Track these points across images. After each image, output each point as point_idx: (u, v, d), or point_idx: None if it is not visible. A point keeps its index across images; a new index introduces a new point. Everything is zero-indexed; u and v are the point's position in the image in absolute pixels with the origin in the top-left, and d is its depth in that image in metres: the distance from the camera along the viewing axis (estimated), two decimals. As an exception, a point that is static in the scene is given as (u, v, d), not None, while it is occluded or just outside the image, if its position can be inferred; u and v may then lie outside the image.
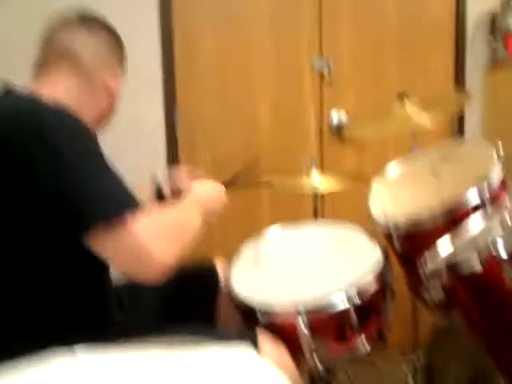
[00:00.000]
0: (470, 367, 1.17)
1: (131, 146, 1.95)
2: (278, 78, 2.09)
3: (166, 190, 1.37)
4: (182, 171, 1.39)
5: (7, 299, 0.95)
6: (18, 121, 0.91)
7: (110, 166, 0.94)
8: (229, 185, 1.35)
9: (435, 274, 0.86)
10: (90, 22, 1.11)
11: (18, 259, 0.93)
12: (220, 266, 1.35)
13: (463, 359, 1.21)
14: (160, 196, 1.36)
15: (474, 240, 0.79)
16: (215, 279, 1.33)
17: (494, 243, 0.75)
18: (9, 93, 1.03)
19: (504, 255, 0.72)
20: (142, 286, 1.29)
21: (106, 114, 1.14)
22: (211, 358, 0.82)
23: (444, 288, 0.87)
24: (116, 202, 0.88)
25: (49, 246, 0.93)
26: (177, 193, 1.39)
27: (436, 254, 0.91)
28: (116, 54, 1.13)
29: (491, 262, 0.74)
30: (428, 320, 1.47)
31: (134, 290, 1.28)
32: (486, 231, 0.80)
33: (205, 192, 1.15)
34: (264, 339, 1.02)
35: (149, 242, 0.88)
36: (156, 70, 2.00)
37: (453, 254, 0.82)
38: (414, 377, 1.77)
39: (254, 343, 0.99)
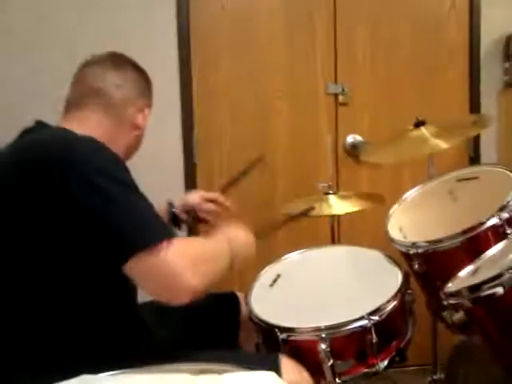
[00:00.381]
0: (488, 381, 1.17)
1: (150, 172, 1.99)
2: (293, 102, 2.14)
3: (182, 216, 1.41)
4: (199, 194, 1.43)
5: (38, 321, 0.98)
6: (55, 149, 0.95)
7: (143, 195, 0.98)
8: (234, 182, 1.38)
9: (456, 296, 0.87)
10: (120, 61, 1.17)
11: (52, 281, 0.96)
12: (241, 297, 1.37)
13: (483, 376, 1.20)
14: (175, 223, 1.40)
15: (495, 262, 0.80)
16: (237, 306, 1.36)
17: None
18: (43, 126, 1.08)
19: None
20: (166, 307, 1.33)
21: (133, 147, 1.19)
22: (234, 379, 0.83)
23: (465, 310, 0.88)
24: (153, 231, 0.92)
25: (83, 271, 0.96)
26: (196, 217, 1.42)
27: (457, 276, 0.92)
28: (144, 92, 1.19)
29: (512, 284, 0.75)
30: (447, 339, 1.47)
31: (157, 310, 1.30)
32: (506, 253, 0.81)
33: (236, 234, 1.15)
34: (286, 363, 1.03)
35: (182, 269, 0.92)
36: (174, 96, 2.06)
37: (474, 274, 0.83)
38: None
39: (277, 367, 1.00)
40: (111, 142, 1.06)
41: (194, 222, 1.44)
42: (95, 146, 0.98)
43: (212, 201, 1.44)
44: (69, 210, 0.91)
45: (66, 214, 0.92)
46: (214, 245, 1.06)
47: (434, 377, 1.75)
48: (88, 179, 0.91)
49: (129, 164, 1.09)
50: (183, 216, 1.41)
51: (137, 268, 0.91)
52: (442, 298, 0.93)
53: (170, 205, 1.39)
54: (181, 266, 0.91)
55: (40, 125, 1.09)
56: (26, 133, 1.08)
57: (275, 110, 2.13)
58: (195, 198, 1.44)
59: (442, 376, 1.46)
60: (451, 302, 0.88)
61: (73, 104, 1.13)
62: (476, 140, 2.19)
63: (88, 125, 1.08)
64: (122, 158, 1.06)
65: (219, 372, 0.87)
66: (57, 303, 0.98)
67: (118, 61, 1.16)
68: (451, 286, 0.89)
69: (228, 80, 2.11)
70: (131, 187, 0.96)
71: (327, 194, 1.58)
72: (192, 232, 1.63)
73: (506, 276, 0.75)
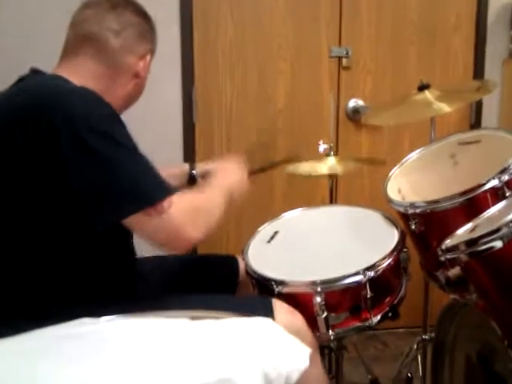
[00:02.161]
0: (478, 341, 1.19)
1: (148, 130, 1.98)
2: (296, 64, 2.11)
3: (199, 180, 1.40)
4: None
5: (35, 268, 0.98)
6: (46, 101, 0.92)
7: (141, 153, 0.96)
8: (263, 170, 1.39)
9: (454, 250, 0.87)
10: (120, 4, 1.09)
11: (50, 227, 0.96)
12: (241, 261, 1.37)
13: (472, 334, 1.23)
14: (191, 184, 1.40)
15: (494, 218, 0.81)
16: (236, 269, 1.37)
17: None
18: (37, 73, 1.05)
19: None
20: (166, 263, 1.35)
21: (133, 97, 1.14)
22: (230, 324, 0.85)
23: (461, 265, 0.89)
24: (154, 188, 0.93)
25: (80, 221, 0.95)
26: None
27: (455, 234, 0.92)
28: (145, 36, 1.11)
29: (512, 238, 0.76)
30: (439, 302, 1.50)
31: (157, 265, 1.32)
32: (506, 210, 0.82)
33: (228, 175, 1.19)
34: (278, 305, 1.05)
35: (184, 223, 0.95)
36: (175, 54, 2.02)
37: (473, 231, 0.84)
38: (423, 353, 1.80)
39: (270, 309, 1.02)
40: (107, 91, 1.02)
41: None
42: (89, 100, 0.94)
43: None
44: (58, 166, 0.90)
45: (56, 169, 0.90)
46: (209, 195, 1.08)
47: (424, 336, 1.80)
48: (82, 138, 0.88)
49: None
50: (199, 180, 1.41)
51: (140, 224, 0.93)
52: (438, 255, 0.94)
53: (191, 167, 1.38)
54: (181, 221, 0.94)
55: (34, 72, 1.05)
56: (21, 81, 1.05)
57: (277, 70, 2.10)
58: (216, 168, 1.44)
59: (432, 335, 1.48)
60: (448, 256, 0.89)
61: (68, 50, 1.08)
62: (478, 108, 2.18)
63: (82, 73, 1.04)
64: (118, 110, 1.03)
65: (216, 318, 0.89)
66: (54, 249, 0.98)
67: (119, 4, 1.08)
68: (449, 242, 0.89)
69: (230, 38, 2.06)
70: (129, 146, 0.94)
71: (328, 155, 1.57)
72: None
73: (506, 230, 0.75)
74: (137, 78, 1.11)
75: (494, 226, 0.77)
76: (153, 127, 2.01)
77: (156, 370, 0.67)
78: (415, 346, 1.84)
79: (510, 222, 0.74)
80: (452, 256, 0.88)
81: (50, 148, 0.89)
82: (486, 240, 0.79)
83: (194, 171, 1.36)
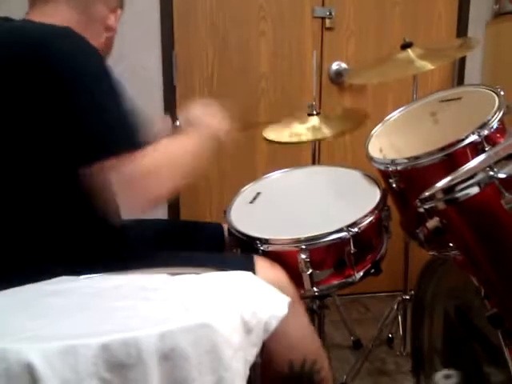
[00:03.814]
0: (457, 298, 1.22)
1: (128, 91, 1.94)
2: (278, 24, 2.07)
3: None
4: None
5: (14, 227, 0.97)
6: (24, 39, 0.90)
7: (122, 93, 0.94)
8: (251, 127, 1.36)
9: (431, 199, 0.88)
10: None
11: (28, 181, 0.94)
12: (226, 229, 1.36)
13: (451, 290, 1.26)
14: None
15: (471, 168, 0.81)
16: (222, 234, 1.35)
17: (491, 167, 0.77)
18: (8, 20, 1.02)
19: (502, 175, 0.74)
20: (150, 227, 1.33)
21: (104, 51, 1.11)
22: (209, 277, 0.85)
23: (440, 215, 0.89)
24: (126, 135, 0.90)
25: (59, 170, 0.94)
26: None
27: (434, 186, 0.92)
28: None
29: (489, 183, 0.76)
30: (420, 264, 1.53)
31: (141, 228, 1.31)
32: (484, 162, 0.82)
33: (210, 122, 1.14)
34: (260, 261, 1.05)
35: (148, 177, 0.91)
36: (154, 16, 1.98)
37: (450, 180, 0.84)
38: (403, 314, 1.85)
39: (251, 266, 1.02)
40: None
41: None
42: (74, 40, 0.92)
43: None
44: (49, 101, 0.88)
45: (45, 104, 0.88)
46: (183, 150, 1.03)
47: (404, 297, 1.84)
48: (62, 75, 0.87)
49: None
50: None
51: (105, 171, 0.89)
52: (417, 206, 0.94)
53: (173, 119, 1.34)
54: (147, 173, 0.90)
55: (5, 20, 1.02)
56: None
57: (259, 31, 2.06)
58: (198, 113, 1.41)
59: (412, 293, 1.51)
60: (426, 206, 0.90)
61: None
62: (461, 69, 2.17)
63: (55, 18, 1.00)
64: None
65: (196, 273, 0.89)
66: (33, 204, 0.96)
67: None
68: (427, 192, 0.90)
69: (210, 1, 2.01)
70: (111, 85, 0.92)
71: (310, 114, 1.56)
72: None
73: (482, 175, 0.76)
74: (108, 32, 1.10)
75: (470, 173, 0.77)
76: (133, 91, 1.96)
77: (135, 317, 0.67)
78: (396, 307, 1.88)
79: (487, 168, 0.75)
80: (430, 205, 0.88)
81: (42, 85, 0.88)
82: (462, 186, 0.79)
83: (177, 123, 1.33)
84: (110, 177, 0.89)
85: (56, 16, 1.01)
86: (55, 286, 0.87)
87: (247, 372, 0.67)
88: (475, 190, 0.78)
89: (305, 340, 1.01)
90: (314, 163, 1.74)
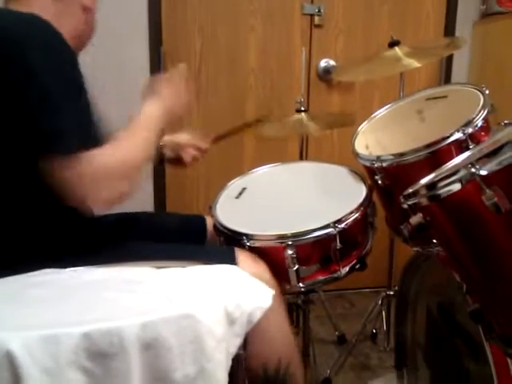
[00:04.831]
0: (440, 294, 1.24)
1: (115, 89, 1.93)
2: (267, 19, 2.07)
3: (165, 152, 1.36)
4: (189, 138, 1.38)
5: None
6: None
7: (80, 89, 0.92)
8: (229, 136, 1.37)
9: (414, 195, 0.89)
10: None
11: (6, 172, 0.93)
12: (208, 221, 1.36)
13: (434, 287, 1.27)
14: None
15: (454, 166, 0.82)
16: (203, 226, 1.35)
17: (473, 164, 0.77)
18: None
19: (483, 172, 0.75)
20: (133, 220, 1.33)
21: (84, 33, 1.10)
22: (194, 269, 0.85)
23: (423, 211, 0.90)
24: (72, 135, 0.87)
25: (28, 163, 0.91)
26: (177, 156, 1.37)
27: (418, 183, 0.93)
28: None
29: (470, 180, 0.77)
30: (404, 261, 1.55)
31: (124, 221, 1.30)
32: (466, 158, 0.83)
33: (164, 94, 1.09)
34: (242, 255, 1.05)
35: (100, 176, 0.89)
36: (142, 11, 1.96)
37: (433, 177, 0.85)
38: (387, 309, 1.87)
39: (233, 259, 1.02)
40: (58, 25, 0.95)
41: (174, 161, 1.40)
42: (38, 28, 0.90)
43: (198, 149, 1.39)
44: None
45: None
46: (128, 145, 0.98)
47: (388, 292, 1.85)
48: (22, 62, 0.85)
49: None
50: (167, 152, 1.38)
51: (49, 169, 0.87)
52: (401, 203, 0.95)
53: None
54: (92, 179, 0.88)
55: None
56: None
57: (248, 26, 2.06)
58: (185, 139, 1.39)
59: (396, 288, 1.53)
60: (409, 202, 0.90)
61: None
62: (448, 68, 2.19)
63: (30, 6, 0.98)
64: (73, 47, 0.98)
65: (181, 266, 0.89)
66: (13, 196, 0.95)
67: None
68: (410, 189, 0.91)
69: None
70: (70, 79, 0.90)
71: (299, 111, 1.56)
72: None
73: (464, 172, 0.76)
74: (86, 13, 1.07)
75: (453, 169, 0.78)
76: (120, 86, 1.95)
77: (118, 308, 0.67)
78: (380, 302, 1.90)
79: (469, 164, 0.76)
80: (413, 201, 0.89)
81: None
82: (444, 183, 0.80)
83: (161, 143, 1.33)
84: (64, 175, 0.87)
85: (32, 5, 0.99)
86: (38, 278, 0.87)
87: (229, 363, 0.68)
88: (457, 186, 0.78)
89: (282, 339, 1.01)
90: (301, 158, 1.75)
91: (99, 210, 0.96)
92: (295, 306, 1.61)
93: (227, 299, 0.71)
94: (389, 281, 1.88)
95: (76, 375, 0.58)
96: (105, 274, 0.89)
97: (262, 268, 1.04)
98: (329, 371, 1.70)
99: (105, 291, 0.78)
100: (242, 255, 1.04)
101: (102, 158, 0.90)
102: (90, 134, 0.91)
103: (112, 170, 0.91)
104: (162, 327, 0.62)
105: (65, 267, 0.93)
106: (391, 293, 1.85)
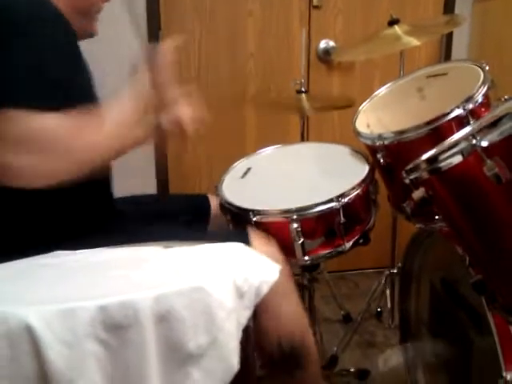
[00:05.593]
0: (443, 269, 1.26)
1: (113, 75, 1.91)
2: (267, 4, 2.07)
3: None
4: None
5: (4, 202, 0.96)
6: None
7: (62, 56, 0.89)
8: None
9: (415, 169, 0.90)
10: None
11: None
12: (212, 200, 1.37)
13: (437, 262, 1.29)
14: None
15: (455, 140, 0.83)
16: (207, 205, 1.36)
17: (474, 136, 0.79)
18: None
19: (484, 143, 0.76)
20: (139, 203, 1.34)
21: (80, 7, 1.04)
22: (203, 247, 0.86)
23: (425, 186, 0.92)
24: (30, 90, 0.83)
25: None
26: None
27: (419, 159, 0.94)
28: None
29: (471, 152, 0.79)
30: (406, 239, 1.57)
31: (130, 206, 1.32)
32: (467, 132, 0.84)
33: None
34: (255, 236, 1.06)
35: (75, 138, 0.84)
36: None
37: (434, 152, 0.86)
38: (391, 288, 1.89)
39: (246, 240, 1.03)
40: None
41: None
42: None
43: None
44: None
45: None
46: (118, 128, 0.93)
47: (392, 270, 1.88)
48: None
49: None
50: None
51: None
52: (403, 178, 0.96)
53: None
54: (75, 138, 0.83)
55: None
56: None
57: (246, 10, 2.06)
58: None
59: (400, 265, 1.55)
60: (411, 177, 0.92)
61: None
62: (448, 46, 2.19)
63: None
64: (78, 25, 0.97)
65: (188, 244, 0.91)
66: None
67: None
68: (412, 164, 0.92)
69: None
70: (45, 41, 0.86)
71: (299, 92, 1.57)
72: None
73: (465, 144, 0.78)
74: None
75: (454, 142, 0.80)
76: (119, 71, 1.95)
77: (130, 283, 0.69)
78: (383, 281, 1.92)
79: (470, 136, 0.77)
80: (415, 176, 0.91)
81: None
82: (445, 156, 0.81)
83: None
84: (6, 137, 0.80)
85: None
86: (48, 260, 0.89)
87: (240, 334, 0.70)
88: (458, 158, 0.80)
89: (294, 316, 1.03)
90: (302, 140, 1.76)
91: (64, 174, 0.84)
92: (301, 287, 1.63)
93: (235, 274, 0.73)
94: (392, 259, 1.90)
95: (94, 347, 0.60)
96: (113, 254, 0.91)
97: (273, 248, 1.05)
98: (335, 349, 1.73)
99: (114, 269, 0.80)
100: (255, 237, 1.06)
101: (85, 120, 0.84)
102: (57, 93, 0.84)
103: (89, 136, 0.85)
104: (174, 300, 0.64)
105: (74, 249, 0.94)
106: (395, 271, 1.87)
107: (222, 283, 0.70)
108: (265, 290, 0.75)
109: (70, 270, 0.83)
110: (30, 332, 0.58)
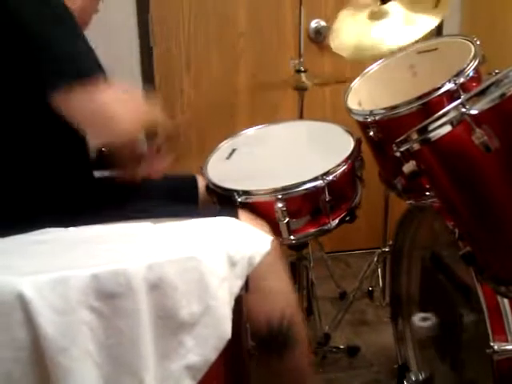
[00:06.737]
0: (432, 246, 1.27)
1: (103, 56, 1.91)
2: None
3: None
4: None
5: None
6: None
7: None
8: None
9: (406, 141, 0.90)
10: None
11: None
12: (200, 180, 1.37)
13: (428, 238, 1.31)
14: None
15: (445, 111, 0.83)
16: (195, 186, 1.35)
17: (463, 104, 0.79)
18: None
19: (473, 111, 0.77)
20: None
21: (87, 10, 1.11)
22: (194, 221, 0.87)
23: (415, 158, 0.92)
24: (88, 65, 0.91)
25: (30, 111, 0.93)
26: None
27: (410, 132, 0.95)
28: None
29: (460, 121, 0.79)
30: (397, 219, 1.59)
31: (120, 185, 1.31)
32: (456, 104, 0.84)
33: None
34: (243, 215, 1.06)
35: (113, 107, 0.91)
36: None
37: (424, 124, 0.86)
38: (382, 267, 1.91)
39: (235, 217, 1.03)
40: None
41: None
42: None
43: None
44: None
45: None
46: None
47: (384, 249, 1.89)
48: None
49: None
50: None
51: (68, 101, 0.88)
52: (394, 151, 0.96)
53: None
54: (111, 103, 0.90)
55: None
56: None
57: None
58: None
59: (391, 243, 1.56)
60: (402, 149, 0.92)
61: None
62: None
63: None
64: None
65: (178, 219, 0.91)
66: (11, 153, 0.96)
67: None
68: (402, 137, 0.92)
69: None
70: (72, 23, 0.93)
71: (299, 71, 1.56)
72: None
73: (454, 113, 0.78)
74: None
75: (442, 112, 0.80)
76: (109, 54, 1.93)
77: (122, 253, 0.70)
78: (375, 259, 1.94)
79: (459, 104, 0.77)
80: (405, 147, 0.91)
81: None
82: (435, 126, 0.81)
83: None
84: (74, 107, 0.88)
85: None
86: (39, 237, 0.88)
87: (232, 302, 0.70)
88: (447, 128, 0.80)
89: (283, 292, 1.03)
90: (301, 117, 1.75)
91: (108, 139, 0.95)
92: (291, 265, 1.64)
93: (228, 244, 0.73)
94: (384, 238, 1.91)
95: (86, 315, 0.61)
96: (103, 230, 0.91)
97: (263, 228, 1.05)
98: (327, 327, 1.75)
99: (106, 243, 0.80)
100: (243, 215, 1.06)
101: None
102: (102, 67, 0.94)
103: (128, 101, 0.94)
104: (166, 268, 0.64)
105: (64, 226, 0.94)
106: (386, 249, 1.88)
107: (215, 252, 0.70)
108: (257, 259, 0.75)
109: (60, 245, 0.82)
110: (22, 300, 0.58)
